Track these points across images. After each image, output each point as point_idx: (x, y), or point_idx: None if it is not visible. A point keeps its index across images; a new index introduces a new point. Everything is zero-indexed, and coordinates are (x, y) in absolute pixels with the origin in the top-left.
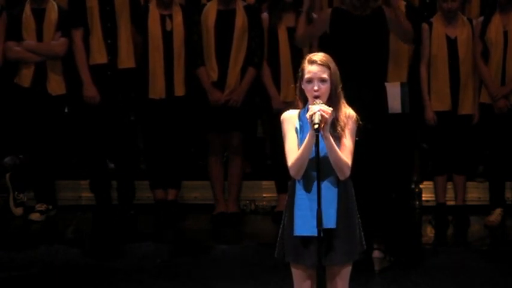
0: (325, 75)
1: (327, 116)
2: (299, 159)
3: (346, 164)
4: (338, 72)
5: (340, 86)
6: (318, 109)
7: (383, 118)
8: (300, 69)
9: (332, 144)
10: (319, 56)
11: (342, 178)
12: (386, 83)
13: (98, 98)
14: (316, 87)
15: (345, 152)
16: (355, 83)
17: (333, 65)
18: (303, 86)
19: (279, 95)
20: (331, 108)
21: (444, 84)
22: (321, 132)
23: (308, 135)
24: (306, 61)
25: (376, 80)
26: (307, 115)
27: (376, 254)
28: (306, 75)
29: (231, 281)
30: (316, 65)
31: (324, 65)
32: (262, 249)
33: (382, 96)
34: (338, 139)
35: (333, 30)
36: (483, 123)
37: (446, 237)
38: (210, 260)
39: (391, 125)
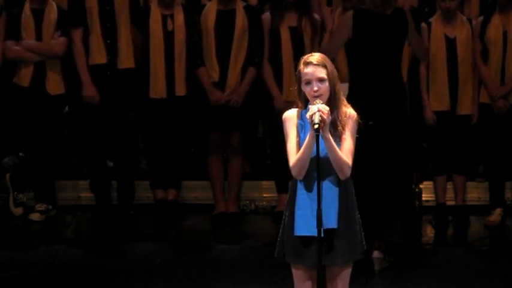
0: (322, 75)
1: (325, 116)
2: (300, 160)
3: (347, 163)
4: (335, 71)
5: (339, 83)
6: (318, 109)
7: (404, 118)
8: (296, 72)
9: (332, 144)
10: (314, 57)
11: (342, 178)
12: None
13: (97, 98)
14: (315, 88)
15: (345, 151)
16: (378, 82)
17: (329, 63)
18: (302, 88)
19: (281, 94)
20: (328, 108)
21: (443, 84)
22: (321, 132)
23: (308, 135)
24: (302, 63)
25: (397, 78)
26: (307, 115)
27: (376, 254)
28: (304, 77)
29: (231, 281)
30: (312, 66)
31: (320, 64)
32: (262, 249)
33: (404, 95)
34: (338, 138)
35: (356, 30)
36: (483, 123)
37: (446, 237)
38: (210, 260)
39: (405, 125)
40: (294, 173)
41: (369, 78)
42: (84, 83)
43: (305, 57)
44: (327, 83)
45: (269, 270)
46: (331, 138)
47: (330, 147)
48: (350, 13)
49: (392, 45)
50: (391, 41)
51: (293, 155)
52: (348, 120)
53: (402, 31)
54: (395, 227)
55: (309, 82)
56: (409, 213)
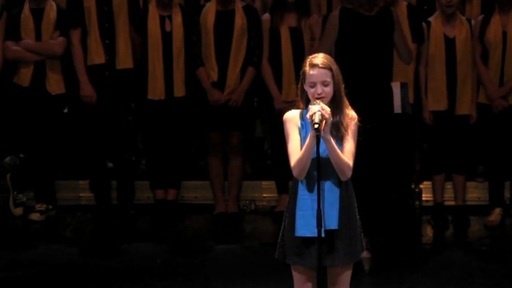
0: (327, 78)
1: (326, 115)
2: (301, 160)
3: (347, 165)
4: (340, 73)
5: (343, 86)
6: (318, 109)
7: (389, 118)
8: (301, 72)
9: (332, 145)
10: (320, 59)
11: (343, 179)
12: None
13: (95, 98)
14: (319, 91)
15: (346, 153)
16: (363, 82)
17: (335, 66)
18: (305, 88)
19: (280, 95)
20: (329, 108)
21: (441, 83)
22: (322, 132)
23: (309, 135)
24: (308, 64)
25: (383, 79)
26: (308, 115)
27: (364, 254)
28: (309, 80)
29: (231, 281)
30: (318, 69)
31: (325, 67)
32: (262, 249)
33: (389, 95)
34: (341, 140)
35: (342, 30)
36: (482, 124)
37: (446, 237)
38: (210, 260)
39: (391, 125)
40: (295, 173)
41: (355, 78)
42: (82, 82)
43: (310, 57)
44: (331, 86)
45: (269, 271)
46: (331, 139)
47: (331, 148)
48: (336, 12)
49: (378, 45)
50: (376, 40)
51: (294, 155)
52: (350, 122)
53: (388, 31)
54: (395, 226)
55: (313, 84)
56: (409, 213)
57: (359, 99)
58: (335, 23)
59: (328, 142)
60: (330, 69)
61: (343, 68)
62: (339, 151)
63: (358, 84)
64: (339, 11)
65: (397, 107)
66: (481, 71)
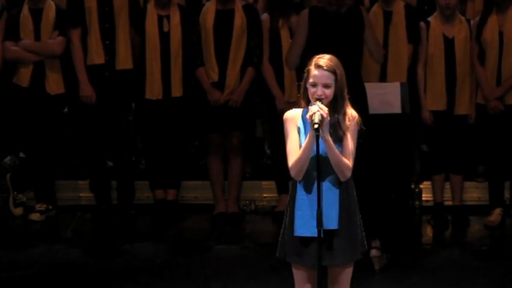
0: (329, 81)
1: (324, 115)
2: (299, 160)
3: (347, 165)
4: (344, 76)
5: (346, 90)
6: (318, 109)
7: (365, 117)
8: (305, 70)
9: (331, 145)
10: (326, 61)
11: (342, 179)
12: (386, 83)
13: (94, 98)
14: (319, 92)
15: (345, 153)
16: None
17: (340, 70)
18: (307, 86)
19: (283, 95)
20: (327, 109)
21: (440, 83)
22: (321, 132)
23: (308, 135)
24: (313, 64)
25: (353, 78)
26: (307, 115)
27: (374, 252)
28: (311, 79)
29: (231, 281)
30: (322, 70)
31: (329, 70)
32: (262, 249)
33: (362, 95)
34: (340, 141)
35: (312, 28)
36: (480, 124)
37: (446, 237)
38: (210, 260)
39: (391, 125)
40: (292, 173)
41: None
42: (81, 82)
43: (317, 58)
44: (332, 89)
45: (269, 270)
46: (330, 139)
47: (329, 148)
48: (306, 11)
49: (347, 43)
50: (345, 38)
51: (293, 155)
52: (351, 123)
53: (357, 29)
54: (395, 226)
55: (314, 85)
56: (409, 213)
57: None
58: (305, 21)
59: (326, 142)
60: (334, 73)
61: None
62: (337, 151)
63: None
64: (309, 10)
65: (397, 107)
66: (478, 71)
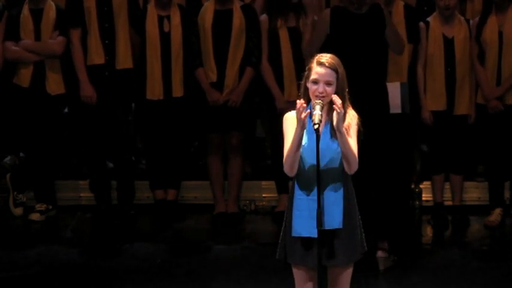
0: (331, 79)
1: (338, 110)
2: (288, 155)
3: (356, 159)
4: (345, 76)
5: (347, 89)
6: (318, 109)
7: (384, 118)
8: (307, 68)
9: (346, 138)
10: (328, 59)
11: (350, 172)
12: (386, 83)
13: (95, 98)
14: (321, 90)
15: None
16: (356, 82)
17: (341, 69)
18: (307, 85)
19: (282, 95)
20: (340, 101)
21: (440, 84)
22: (336, 126)
23: (295, 131)
24: (315, 61)
25: (376, 78)
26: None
27: (380, 253)
28: (313, 76)
29: (231, 281)
30: (324, 68)
31: (332, 68)
32: (262, 249)
33: (383, 95)
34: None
35: (333, 29)
36: (480, 124)
37: (446, 237)
38: (210, 260)
39: (391, 125)
40: (285, 168)
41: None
42: (82, 82)
43: (319, 56)
44: (333, 87)
45: (269, 270)
46: (345, 132)
47: (344, 141)
48: (328, 11)
49: (369, 43)
50: (367, 38)
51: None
52: (352, 121)
53: (379, 28)
54: (396, 226)
55: (316, 82)
56: (409, 213)
57: (353, 99)
58: (326, 21)
59: (342, 135)
60: (336, 71)
61: None
62: (351, 144)
63: (351, 83)
64: (330, 10)
65: (397, 107)
66: (478, 71)
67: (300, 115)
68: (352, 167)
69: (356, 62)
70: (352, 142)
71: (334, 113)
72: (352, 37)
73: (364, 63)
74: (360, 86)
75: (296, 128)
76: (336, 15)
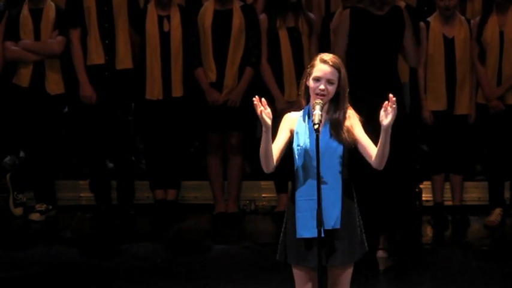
0: (333, 78)
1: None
2: (260, 153)
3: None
4: (347, 76)
5: (348, 90)
6: (318, 109)
7: (403, 118)
8: (309, 66)
9: (389, 138)
10: (331, 57)
11: (379, 168)
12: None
13: (94, 98)
14: (322, 87)
15: (371, 145)
16: (375, 82)
17: (343, 69)
18: (308, 83)
19: (282, 95)
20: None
21: (440, 83)
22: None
23: (263, 131)
24: (318, 59)
25: (395, 78)
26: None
27: (381, 253)
28: (315, 73)
29: (231, 281)
30: (327, 66)
31: (334, 67)
32: (262, 249)
33: (401, 95)
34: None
35: (353, 28)
36: (481, 124)
37: (446, 237)
38: (210, 260)
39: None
40: (261, 165)
41: (365, 78)
42: (81, 82)
43: (322, 54)
44: (334, 87)
45: (269, 271)
46: (389, 130)
47: (387, 140)
48: (347, 11)
49: (388, 44)
50: (386, 40)
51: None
52: (354, 120)
53: (398, 30)
54: (396, 227)
55: (318, 79)
56: (409, 213)
57: (371, 99)
58: (346, 22)
59: (388, 134)
60: (338, 70)
61: (353, 67)
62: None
63: (370, 83)
64: (350, 10)
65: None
66: (479, 71)
67: (257, 111)
68: (384, 164)
69: (375, 63)
70: (367, 139)
71: (390, 114)
72: (372, 38)
73: (384, 63)
74: (378, 86)
75: (263, 131)
76: (355, 15)
